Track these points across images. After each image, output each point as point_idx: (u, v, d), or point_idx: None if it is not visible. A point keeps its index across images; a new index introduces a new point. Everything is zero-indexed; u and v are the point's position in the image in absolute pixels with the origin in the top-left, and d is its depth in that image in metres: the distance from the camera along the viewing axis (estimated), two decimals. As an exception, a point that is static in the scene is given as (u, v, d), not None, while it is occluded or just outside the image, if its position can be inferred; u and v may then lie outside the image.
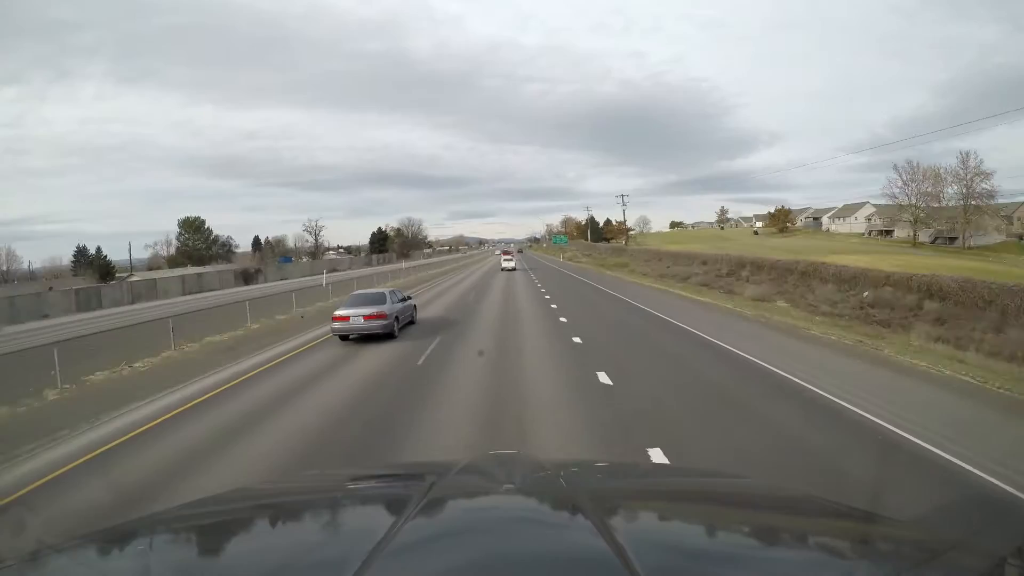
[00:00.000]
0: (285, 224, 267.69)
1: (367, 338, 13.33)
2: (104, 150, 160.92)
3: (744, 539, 1.44)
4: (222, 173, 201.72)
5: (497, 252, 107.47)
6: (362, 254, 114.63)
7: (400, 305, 14.87)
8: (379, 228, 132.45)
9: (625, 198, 73.55)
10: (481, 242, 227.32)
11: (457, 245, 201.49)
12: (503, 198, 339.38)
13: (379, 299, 14.23)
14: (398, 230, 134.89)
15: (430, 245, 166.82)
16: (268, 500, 1.93)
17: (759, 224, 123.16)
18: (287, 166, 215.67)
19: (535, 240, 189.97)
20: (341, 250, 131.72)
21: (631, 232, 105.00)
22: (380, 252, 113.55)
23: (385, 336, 13.44)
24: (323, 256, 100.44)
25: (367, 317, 13.36)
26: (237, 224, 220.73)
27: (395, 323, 13.88)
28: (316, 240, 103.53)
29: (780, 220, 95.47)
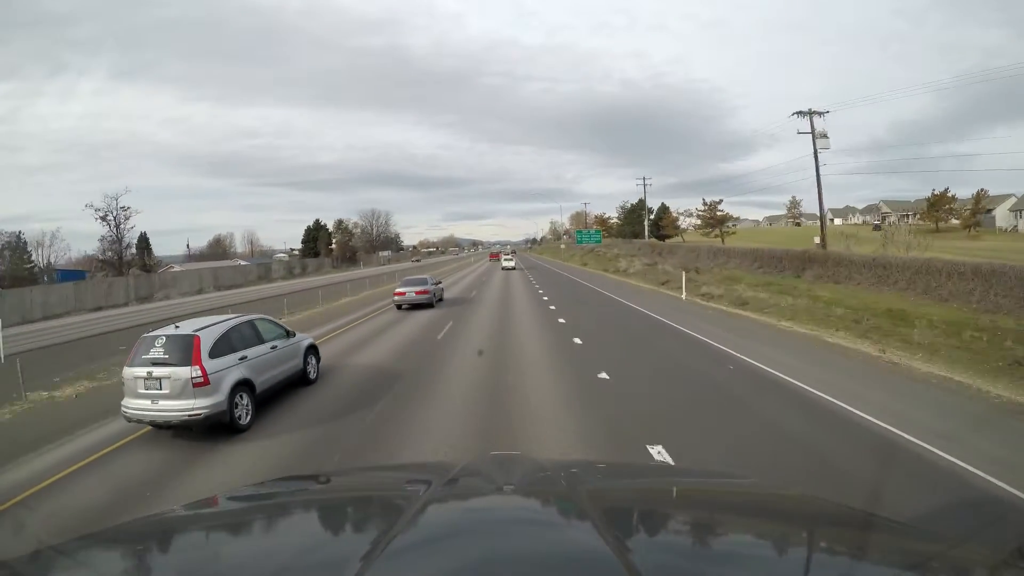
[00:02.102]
0: (281, 224, 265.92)
1: (416, 306, 21.61)
2: (99, 147, 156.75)
3: (744, 539, 1.46)
4: (219, 171, 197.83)
5: (487, 258, 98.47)
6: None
7: (434, 287, 22.98)
8: (316, 220, 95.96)
9: (820, 135, 31.99)
10: (475, 244, 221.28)
11: (447, 247, 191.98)
12: (500, 199, 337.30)
13: (424, 282, 22.53)
14: (339, 223, 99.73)
15: (403, 246, 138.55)
16: (268, 500, 1.99)
17: (834, 220, 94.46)
18: (285, 165, 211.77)
19: (534, 242, 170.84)
20: (295, 252, 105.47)
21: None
22: (316, 255, 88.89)
23: (427, 305, 21.64)
24: (158, 269, 61.01)
25: (417, 292, 21.60)
26: (233, 224, 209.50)
27: (433, 297, 22.36)
28: (118, 235, 53.73)
29: (967, 215, 59.99)
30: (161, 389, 6.89)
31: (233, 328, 7.85)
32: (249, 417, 7.44)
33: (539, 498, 1.67)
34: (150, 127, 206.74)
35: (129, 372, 7.09)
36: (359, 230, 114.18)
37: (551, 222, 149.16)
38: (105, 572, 1.28)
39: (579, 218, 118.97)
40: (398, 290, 22.15)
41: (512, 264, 55.07)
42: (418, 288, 21.72)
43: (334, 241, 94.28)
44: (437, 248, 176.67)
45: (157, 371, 6.93)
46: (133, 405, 7.05)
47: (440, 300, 23.69)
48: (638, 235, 72.15)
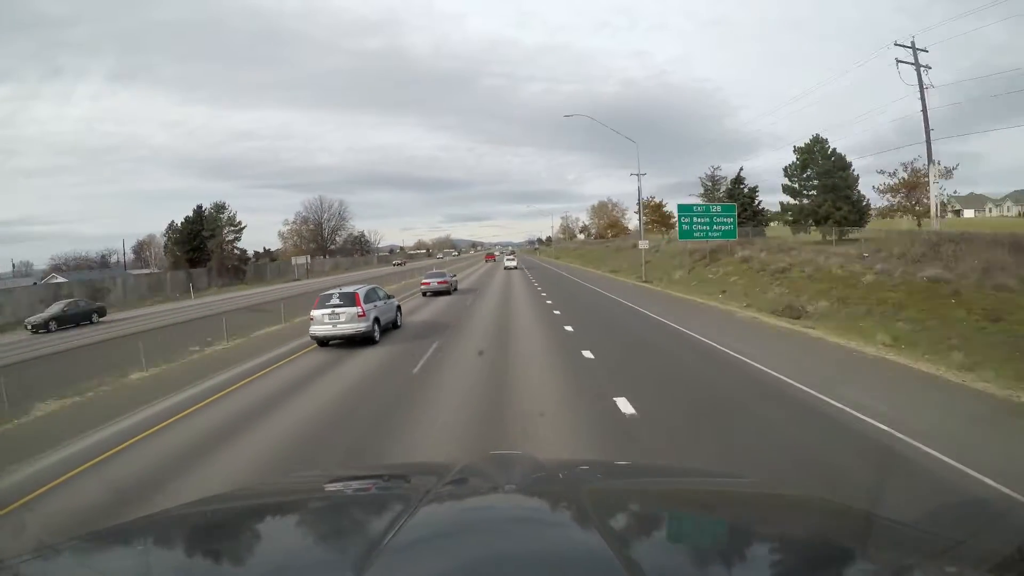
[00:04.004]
0: (279, 227, 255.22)
1: (437, 293, 29.19)
2: (98, 150, 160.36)
3: (744, 539, 1.48)
4: (218, 174, 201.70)
5: (484, 259, 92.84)
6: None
7: (451, 279, 31.15)
8: (197, 207, 62.84)
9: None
10: (474, 245, 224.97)
11: (442, 248, 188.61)
12: (501, 200, 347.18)
13: (443, 275, 30.67)
14: (219, 208, 62.78)
15: (370, 248, 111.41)
16: (268, 500, 2.04)
17: (962, 212, 62.46)
18: (285, 167, 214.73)
19: (540, 242, 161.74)
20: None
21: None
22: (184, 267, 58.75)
23: (445, 293, 29.10)
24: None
25: (439, 283, 29.36)
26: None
27: (451, 287, 30.25)
28: None
29: None
30: (339, 319, 13.84)
31: (368, 289, 14.98)
32: (379, 336, 14.47)
33: (539, 498, 1.71)
34: (149, 129, 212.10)
35: (317, 312, 14.05)
36: (311, 225, 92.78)
37: (563, 217, 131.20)
38: (105, 572, 1.34)
39: (602, 210, 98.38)
40: (424, 281, 30.45)
41: (514, 264, 57.06)
42: (439, 279, 29.90)
43: (211, 244, 60.52)
44: (428, 251, 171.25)
45: (337, 310, 13.80)
46: (319, 329, 14.01)
47: (455, 289, 31.51)
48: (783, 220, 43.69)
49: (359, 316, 13.84)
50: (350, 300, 14.03)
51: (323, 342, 14.19)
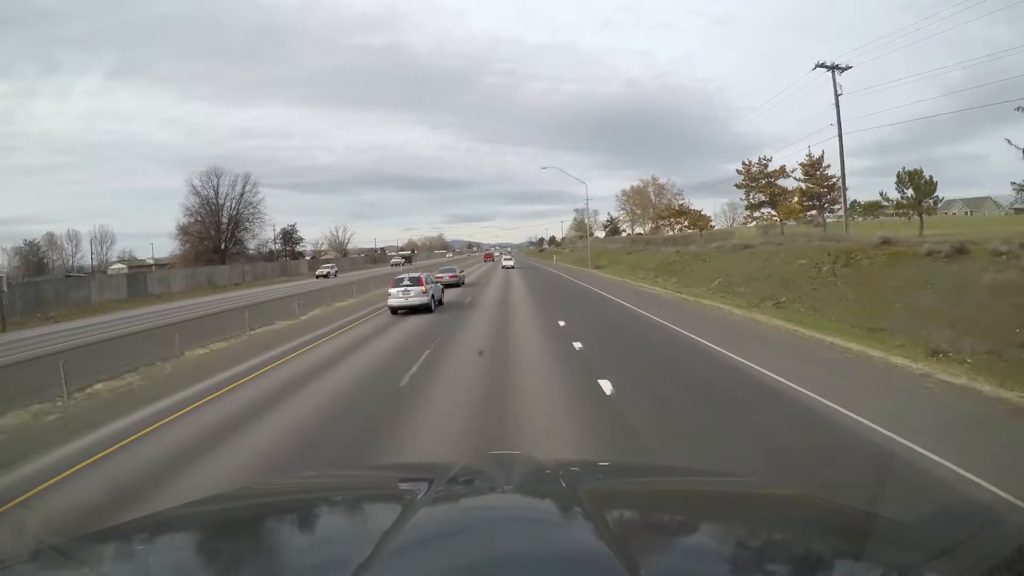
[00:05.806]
0: (270, 228, 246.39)
1: (448, 285, 33.84)
2: (96, 148, 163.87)
3: (744, 539, 1.53)
4: (216, 172, 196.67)
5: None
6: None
7: (460, 274, 38.21)
8: None
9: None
10: (470, 245, 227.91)
11: (434, 249, 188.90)
12: (501, 201, 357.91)
13: (454, 270, 38.58)
14: None
15: (292, 252, 78.17)
16: (267, 500, 2.09)
17: None
18: (283, 167, 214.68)
19: (550, 242, 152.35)
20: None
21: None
22: None
23: (456, 285, 35.58)
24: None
25: (451, 276, 35.28)
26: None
27: (461, 280, 37.26)
28: None
29: None
30: (409, 294, 21.01)
31: (426, 276, 22.37)
32: (435, 307, 21.70)
33: (539, 498, 1.76)
34: (148, 127, 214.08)
35: (395, 289, 21.16)
36: (214, 217, 60.88)
37: (575, 211, 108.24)
38: (105, 572, 1.36)
39: (641, 196, 73.93)
40: (437, 275, 34.17)
41: (511, 263, 59.38)
42: (450, 273, 36.68)
43: None
44: (414, 252, 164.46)
45: (408, 288, 21.08)
46: (395, 300, 20.97)
47: (463, 283, 38.02)
48: None
49: (423, 292, 20.94)
50: (417, 282, 21.15)
51: (394, 310, 21.01)
